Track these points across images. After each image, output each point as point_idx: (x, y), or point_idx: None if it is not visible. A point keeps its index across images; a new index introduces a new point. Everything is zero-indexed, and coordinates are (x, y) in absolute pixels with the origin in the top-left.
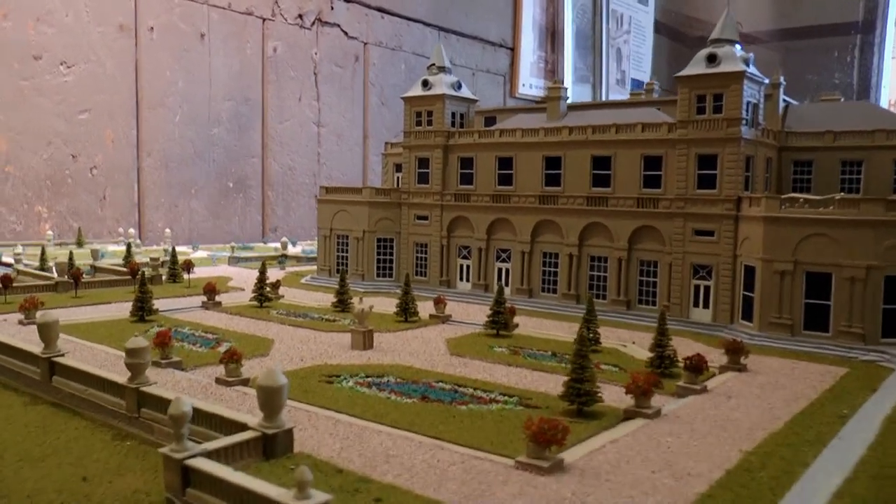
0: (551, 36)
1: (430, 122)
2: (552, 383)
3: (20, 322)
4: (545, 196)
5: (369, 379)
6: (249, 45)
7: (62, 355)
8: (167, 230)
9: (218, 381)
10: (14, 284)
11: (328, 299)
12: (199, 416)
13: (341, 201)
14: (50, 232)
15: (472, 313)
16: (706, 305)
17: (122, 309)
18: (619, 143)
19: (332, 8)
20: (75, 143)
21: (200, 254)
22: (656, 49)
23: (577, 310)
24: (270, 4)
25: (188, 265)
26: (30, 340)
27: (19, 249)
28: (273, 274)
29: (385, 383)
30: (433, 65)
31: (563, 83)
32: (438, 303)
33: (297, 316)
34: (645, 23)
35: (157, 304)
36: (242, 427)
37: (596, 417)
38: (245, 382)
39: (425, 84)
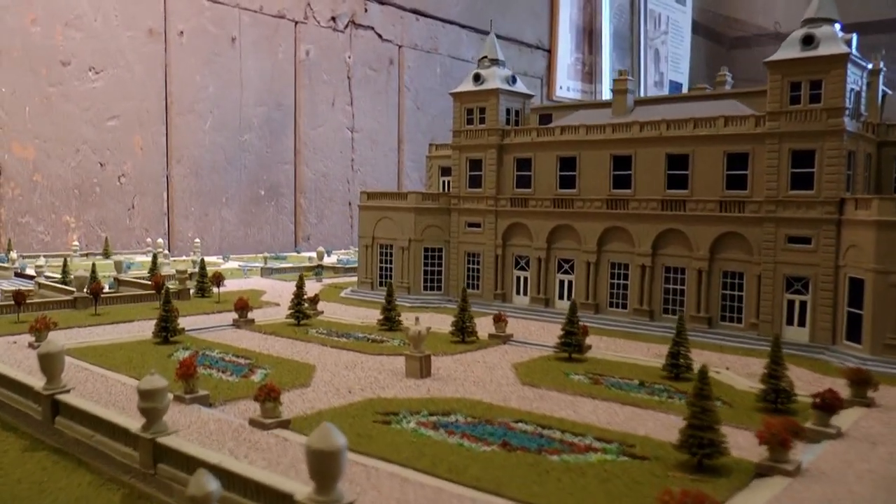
0: (589, 37)
1: (482, 120)
2: (651, 423)
3: (30, 345)
4: (613, 200)
5: (434, 418)
6: (281, 48)
7: (67, 391)
8: (196, 240)
9: (252, 422)
10: (30, 300)
11: (372, 315)
12: (231, 481)
13: (384, 207)
14: (76, 243)
15: (533, 331)
16: (802, 323)
17: (144, 328)
18: (698, 140)
19: (366, 10)
20: (103, 150)
21: (231, 265)
22: (694, 50)
23: (652, 328)
24: (303, 7)
25: (218, 278)
26: (38, 368)
27: (41, 261)
28: (310, 287)
29: (454, 424)
30: (485, 57)
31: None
32: (498, 321)
33: (339, 336)
34: (683, 23)
35: (184, 322)
36: (287, 499)
37: (721, 473)
38: (285, 424)
39: (477, 78)
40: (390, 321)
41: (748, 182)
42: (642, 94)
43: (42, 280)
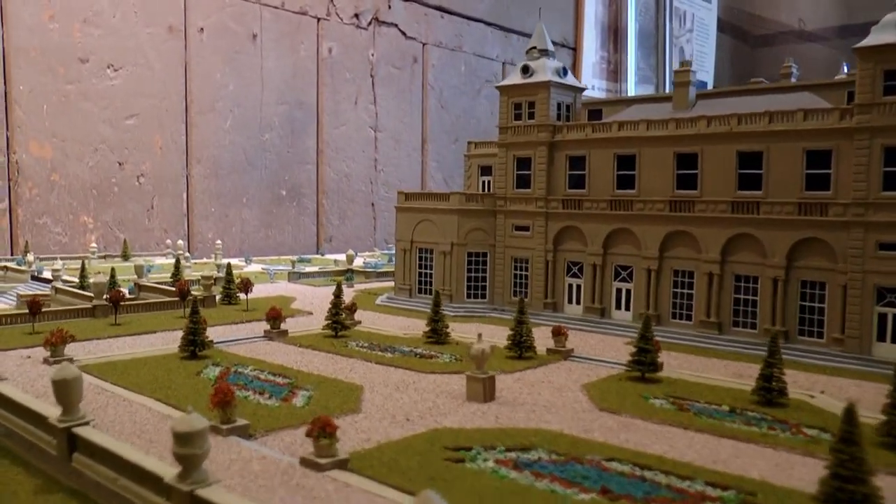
0: (614, 35)
1: (531, 115)
2: (760, 462)
3: (45, 360)
4: (677, 201)
5: (513, 455)
6: (304, 45)
7: (86, 423)
8: (218, 242)
9: (304, 462)
10: (46, 309)
11: (415, 326)
12: None
13: (424, 209)
14: (94, 245)
15: (593, 345)
16: (895, 339)
17: (169, 340)
18: (773, 136)
19: (390, 7)
20: (122, 149)
21: (254, 267)
22: (718, 48)
23: (721, 342)
24: (325, 3)
25: (246, 284)
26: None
27: (59, 265)
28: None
29: (538, 462)
30: (533, 48)
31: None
32: (558, 334)
33: (382, 350)
34: (708, 21)
35: (211, 332)
36: None
37: None
38: (343, 464)
39: (525, 70)
40: (437, 333)
41: (831, 182)
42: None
43: (59, 284)
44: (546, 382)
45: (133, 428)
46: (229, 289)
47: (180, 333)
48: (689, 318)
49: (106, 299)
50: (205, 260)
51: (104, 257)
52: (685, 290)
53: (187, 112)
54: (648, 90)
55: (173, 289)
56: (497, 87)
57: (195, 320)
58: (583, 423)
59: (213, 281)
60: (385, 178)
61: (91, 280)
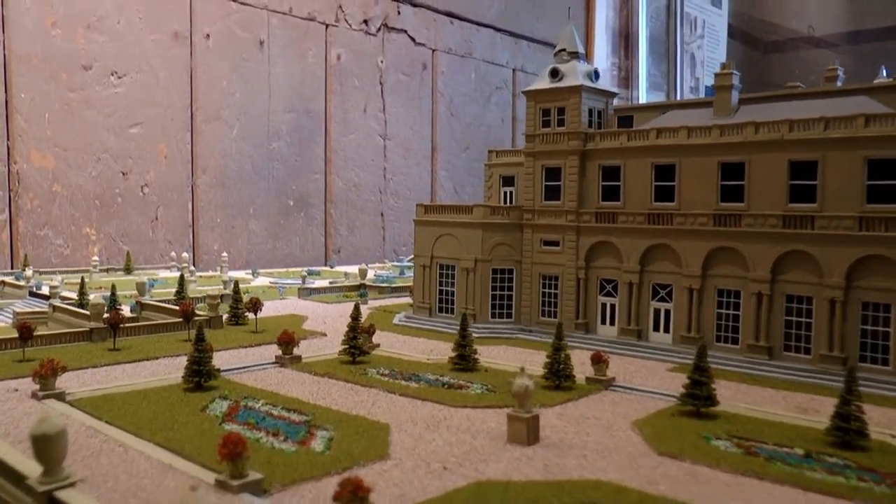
0: (625, 41)
1: (561, 122)
2: None
3: (34, 395)
4: (722, 215)
5: None
6: (312, 52)
7: (71, 485)
8: (224, 254)
9: None
10: (39, 333)
11: (438, 349)
12: None
13: (446, 223)
14: (96, 258)
15: (633, 372)
16: None
17: (172, 367)
18: (829, 143)
19: (399, 12)
20: (125, 159)
21: (261, 281)
22: (728, 55)
23: (772, 369)
24: (334, 9)
25: (255, 304)
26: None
27: (57, 281)
28: (350, 309)
29: None
30: (563, 50)
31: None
32: (598, 361)
33: (406, 378)
34: (719, 27)
35: (218, 358)
36: None
37: None
38: None
39: (555, 74)
40: (465, 360)
41: None
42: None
43: (57, 302)
44: (592, 419)
45: (129, 484)
46: (237, 308)
47: (184, 360)
48: (735, 341)
49: (104, 321)
50: (210, 273)
51: (106, 270)
52: (731, 312)
53: (193, 120)
54: (659, 97)
55: (177, 308)
56: (524, 93)
57: (200, 348)
58: (644, 473)
59: (219, 300)
60: (394, 187)
61: (90, 298)
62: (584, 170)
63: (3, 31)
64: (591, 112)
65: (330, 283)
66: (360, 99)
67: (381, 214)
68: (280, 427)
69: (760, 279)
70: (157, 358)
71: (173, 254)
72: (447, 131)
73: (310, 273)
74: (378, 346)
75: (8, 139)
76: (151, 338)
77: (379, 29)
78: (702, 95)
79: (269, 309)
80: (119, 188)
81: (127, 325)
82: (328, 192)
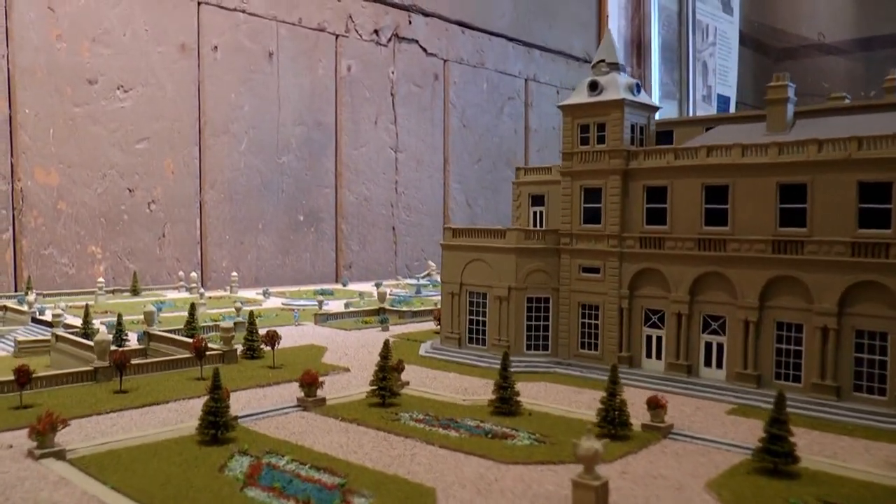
0: (637, 49)
1: (601, 139)
2: None
3: (30, 453)
4: (781, 241)
5: None
6: (322, 64)
7: None
8: (233, 274)
9: None
10: (38, 374)
11: (472, 387)
12: None
13: (476, 247)
14: (101, 279)
15: (688, 415)
16: None
17: (184, 413)
18: None
19: (410, 22)
20: (132, 175)
21: (273, 302)
22: (741, 62)
23: (842, 411)
24: (344, 19)
25: (272, 338)
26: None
27: (60, 307)
28: (373, 337)
29: None
30: (601, 61)
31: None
32: (656, 406)
33: (444, 425)
34: (730, 34)
35: (235, 400)
36: None
37: None
38: None
39: (594, 87)
40: (507, 402)
41: None
42: (690, 109)
43: (59, 331)
44: (659, 478)
45: None
46: (252, 340)
47: (197, 403)
48: (797, 379)
49: (110, 360)
50: (220, 293)
51: (112, 292)
52: (792, 347)
53: (201, 134)
54: (672, 106)
55: (188, 340)
56: (560, 108)
57: (217, 397)
58: None
59: (233, 332)
60: (406, 200)
61: (95, 326)
62: (627, 191)
63: (7, 45)
64: (632, 128)
65: (345, 304)
66: (372, 111)
67: (393, 229)
68: (311, 494)
69: (826, 312)
70: (167, 402)
71: (181, 273)
72: (459, 143)
73: (322, 293)
74: (407, 383)
75: (12, 156)
76: (161, 376)
77: (390, 39)
78: (714, 104)
79: (285, 337)
80: (125, 205)
81: (134, 360)
82: (339, 207)
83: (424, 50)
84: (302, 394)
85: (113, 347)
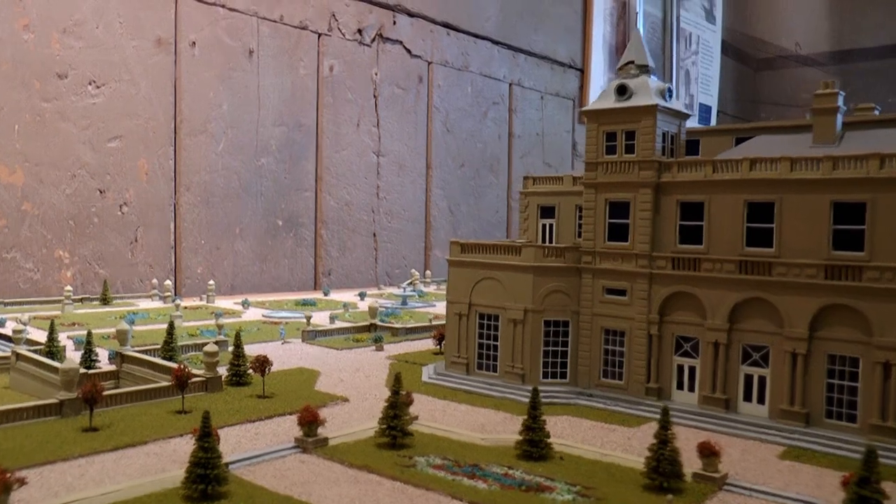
0: (621, 56)
1: (629, 149)
2: None
3: None
4: (834, 266)
5: None
6: (303, 63)
7: None
8: (210, 282)
9: None
10: None
11: (488, 422)
12: None
13: (487, 265)
14: (69, 288)
15: (738, 461)
16: None
17: (166, 458)
18: None
19: (395, 22)
20: (103, 175)
21: (253, 313)
22: (722, 71)
23: None
24: (327, 18)
25: (263, 365)
26: None
27: (22, 324)
28: (364, 359)
29: None
30: (630, 63)
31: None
32: (709, 454)
33: (469, 474)
34: (713, 43)
35: (224, 439)
36: None
37: None
38: None
39: (622, 91)
40: (536, 445)
41: None
42: None
43: (21, 349)
44: None
45: None
46: (238, 365)
47: (180, 444)
48: (851, 418)
49: (78, 393)
50: (196, 302)
51: (81, 301)
52: (846, 383)
53: (176, 134)
54: None
55: (167, 364)
56: (584, 112)
57: (206, 446)
58: None
59: (217, 356)
60: (388, 206)
61: (62, 343)
62: (659, 206)
63: None
64: (663, 136)
65: (331, 317)
66: (354, 113)
67: (374, 235)
68: None
69: (887, 346)
70: (145, 443)
71: (155, 281)
72: (442, 148)
73: (304, 304)
74: (416, 417)
75: None
76: (136, 408)
77: (373, 39)
78: (696, 112)
79: (272, 356)
80: (96, 207)
81: (106, 388)
82: (319, 212)
83: (409, 51)
84: (300, 432)
85: (82, 370)
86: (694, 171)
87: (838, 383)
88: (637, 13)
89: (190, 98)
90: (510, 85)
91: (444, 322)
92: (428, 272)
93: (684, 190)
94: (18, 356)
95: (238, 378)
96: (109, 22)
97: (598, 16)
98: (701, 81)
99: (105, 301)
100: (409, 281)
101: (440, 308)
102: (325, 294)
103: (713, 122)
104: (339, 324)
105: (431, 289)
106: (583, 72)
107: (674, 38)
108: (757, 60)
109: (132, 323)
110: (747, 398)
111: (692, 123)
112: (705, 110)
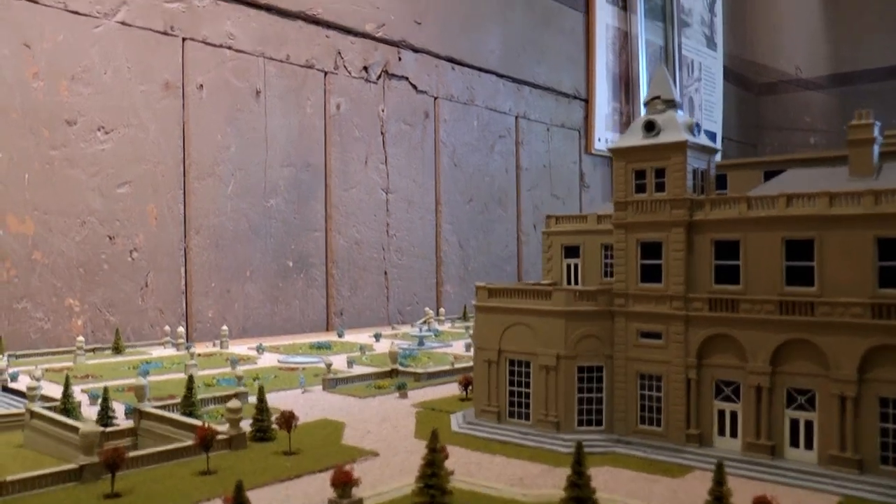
0: (625, 85)
1: (660, 187)
2: None
3: None
4: (882, 305)
5: None
6: (310, 102)
7: None
8: (224, 328)
9: None
10: (5, 479)
11: (526, 475)
12: None
13: (517, 310)
14: (81, 338)
15: None
16: None
17: None
18: None
19: (400, 59)
20: (113, 221)
21: (268, 359)
22: (725, 97)
23: None
24: (333, 55)
25: (289, 420)
26: None
27: (35, 380)
28: (391, 407)
29: None
30: (657, 98)
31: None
32: None
33: None
34: (714, 69)
35: (254, 502)
36: None
37: None
38: None
39: (650, 128)
40: (584, 503)
41: None
42: None
43: (36, 406)
44: None
45: None
46: (262, 420)
47: None
48: None
49: (98, 456)
50: (209, 348)
51: (93, 350)
52: None
53: (185, 177)
54: None
55: (187, 421)
56: (611, 150)
57: None
58: None
59: (240, 412)
60: (398, 243)
61: (77, 399)
62: (692, 245)
63: None
64: (694, 174)
65: (348, 362)
66: (362, 150)
67: (385, 273)
68: None
69: None
70: None
71: (167, 328)
72: (450, 183)
73: (319, 347)
74: (452, 472)
75: None
76: (159, 470)
77: (379, 76)
78: (701, 130)
79: (293, 406)
80: (105, 254)
81: (125, 446)
82: (329, 251)
83: (414, 87)
84: (333, 493)
85: (99, 428)
86: (728, 209)
87: (893, 427)
88: (639, 42)
89: (198, 141)
90: (516, 118)
91: (466, 363)
92: (442, 309)
93: (718, 228)
94: (33, 414)
95: (262, 434)
96: (117, 67)
97: (600, 46)
98: (705, 108)
99: (117, 350)
100: (423, 319)
101: (458, 347)
102: (340, 336)
103: (718, 147)
104: (357, 368)
105: (446, 326)
106: (587, 102)
107: (676, 66)
108: (758, 85)
109: (147, 374)
110: (794, 444)
111: None
112: (710, 136)
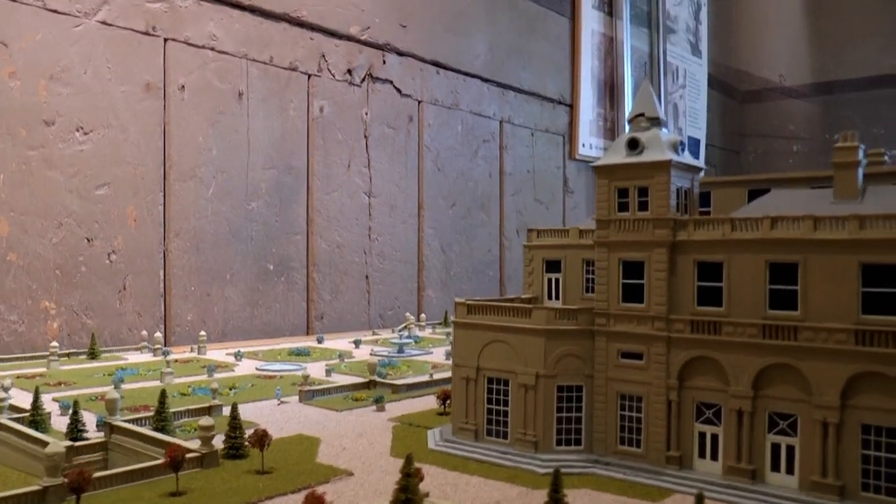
0: (610, 91)
1: (643, 206)
2: None
3: None
4: (866, 332)
5: None
6: (293, 104)
7: None
8: (202, 333)
9: None
10: None
11: (504, 496)
12: None
13: (496, 327)
14: (55, 343)
15: None
16: None
17: None
18: None
19: (384, 62)
20: (91, 223)
21: (246, 366)
22: (709, 105)
23: None
24: (317, 58)
25: (262, 439)
26: None
27: (4, 391)
28: (368, 421)
29: None
30: (640, 115)
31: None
32: None
33: None
34: (699, 76)
35: None
36: None
37: None
38: None
39: (634, 145)
40: None
41: None
42: None
43: (3, 418)
44: None
45: None
46: (234, 437)
47: None
48: (890, 492)
49: (63, 477)
50: (187, 353)
51: (67, 355)
52: (883, 454)
53: (165, 179)
54: None
55: (159, 437)
56: (594, 168)
57: None
58: None
59: (213, 430)
60: (380, 247)
61: (47, 409)
62: (675, 266)
63: None
64: (677, 193)
65: (326, 370)
66: (344, 154)
67: (366, 277)
68: None
69: None
70: None
71: (145, 333)
72: (434, 187)
73: (298, 353)
74: (427, 494)
75: None
76: (126, 490)
77: (363, 79)
78: (685, 147)
79: (268, 421)
80: (83, 256)
81: (94, 473)
82: (310, 255)
83: (399, 90)
84: None
85: (67, 444)
86: (711, 230)
87: (875, 455)
88: (625, 49)
89: (179, 143)
90: (500, 122)
91: (445, 372)
92: (423, 315)
93: (702, 249)
94: (1, 427)
95: (235, 451)
96: (97, 67)
97: (585, 52)
98: (689, 115)
99: (93, 355)
100: (403, 325)
101: (438, 355)
102: (320, 342)
103: (702, 154)
104: (335, 377)
105: (427, 332)
106: (572, 107)
107: (661, 73)
108: (742, 93)
109: (121, 381)
110: (775, 468)
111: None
112: (694, 143)
